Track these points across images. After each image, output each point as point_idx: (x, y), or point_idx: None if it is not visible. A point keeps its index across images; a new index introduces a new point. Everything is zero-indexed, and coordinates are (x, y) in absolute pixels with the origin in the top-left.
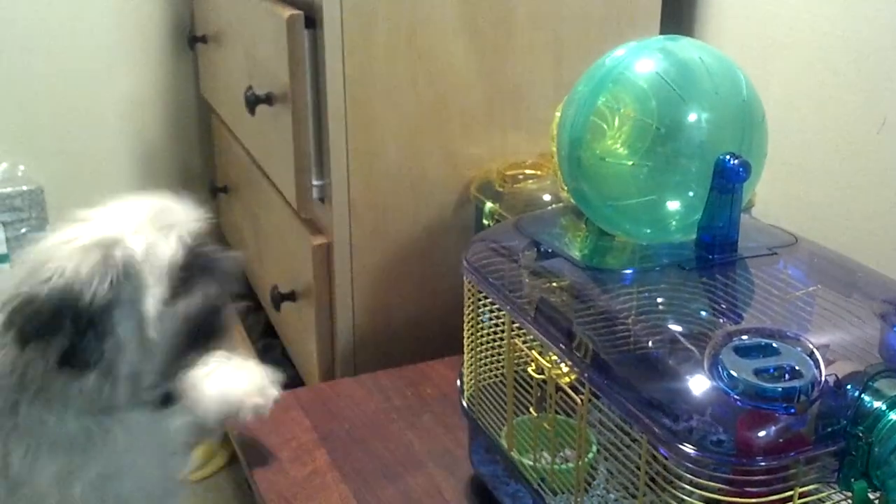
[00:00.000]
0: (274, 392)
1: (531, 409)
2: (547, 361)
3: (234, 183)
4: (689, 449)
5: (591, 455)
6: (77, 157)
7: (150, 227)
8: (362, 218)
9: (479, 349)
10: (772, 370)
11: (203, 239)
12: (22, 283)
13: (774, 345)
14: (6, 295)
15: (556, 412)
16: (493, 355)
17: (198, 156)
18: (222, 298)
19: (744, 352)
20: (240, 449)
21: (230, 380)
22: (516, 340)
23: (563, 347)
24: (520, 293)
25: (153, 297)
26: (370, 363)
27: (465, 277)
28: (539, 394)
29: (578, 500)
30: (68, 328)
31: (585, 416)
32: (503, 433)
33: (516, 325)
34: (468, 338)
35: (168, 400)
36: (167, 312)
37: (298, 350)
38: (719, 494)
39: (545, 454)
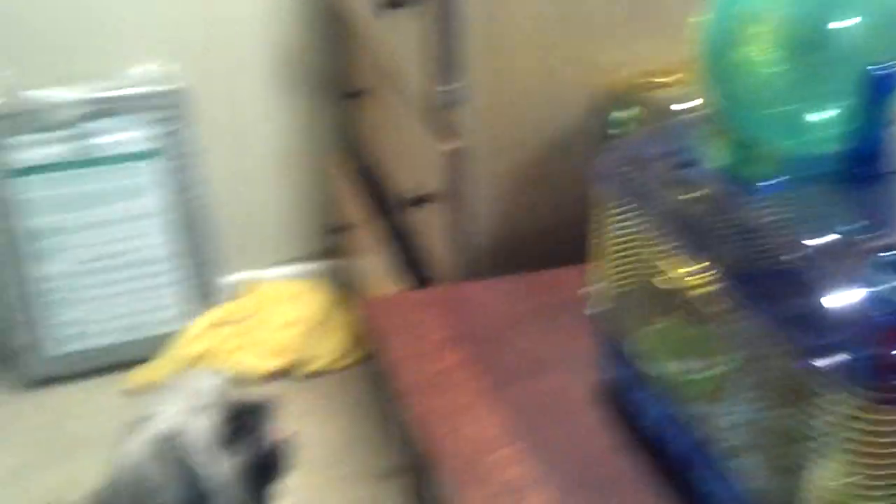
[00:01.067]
0: None
1: (662, 318)
2: (680, 272)
3: (367, 87)
4: (826, 363)
5: (723, 366)
6: (221, 58)
7: (191, 412)
8: (492, 123)
9: (609, 257)
10: None
11: (235, 403)
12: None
13: None
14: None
15: (689, 322)
16: (623, 264)
17: (333, 60)
18: (266, 444)
19: (887, 267)
20: (374, 344)
21: None
22: (648, 250)
23: (699, 258)
24: (653, 203)
25: (207, 467)
26: (500, 268)
27: (596, 186)
28: (671, 303)
29: (711, 408)
30: None
31: (721, 327)
32: (634, 340)
33: (649, 234)
34: (598, 245)
35: None
36: (223, 475)
37: (429, 253)
38: (857, 411)
39: (676, 363)
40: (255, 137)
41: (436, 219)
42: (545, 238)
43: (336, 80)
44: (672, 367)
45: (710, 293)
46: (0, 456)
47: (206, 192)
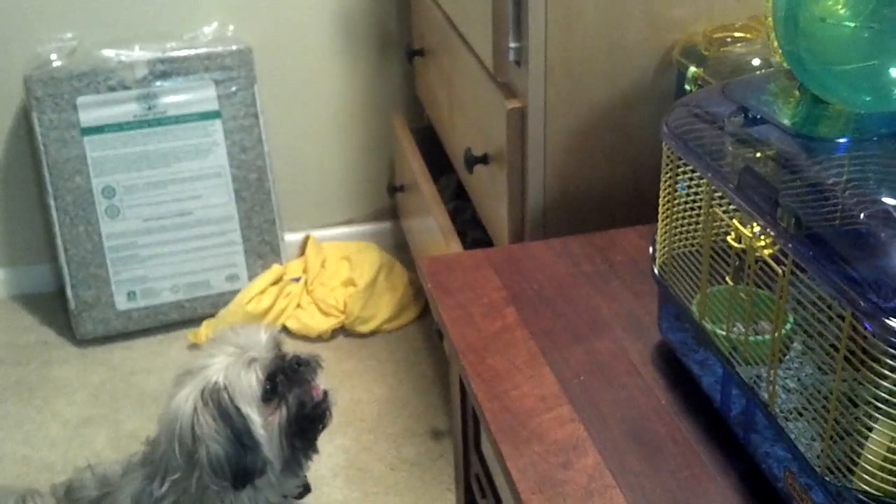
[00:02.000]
0: None
1: (726, 279)
2: (748, 231)
3: (430, 46)
4: (895, 324)
5: (787, 328)
6: (283, 19)
7: (237, 366)
8: (558, 81)
9: (674, 217)
10: None
11: (282, 358)
12: (166, 437)
13: None
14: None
15: (754, 284)
16: (688, 223)
17: (395, 18)
18: (310, 399)
19: None
20: (433, 302)
21: None
22: (715, 209)
23: (767, 218)
24: (723, 161)
25: (253, 419)
26: (559, 228)
27: (664, 143)
28: (736, 264)
29: (772, 371)
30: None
31: (785, 289)
32: (695, 301)
33: (717, 193)
34: (664, 205)
35: (305, 491)
36: (269, 427)
37: (489, 212)
38: None
39: (738, 324)
40: (318, 97)
41: (497, 178)
42: (609, 197)
43: (400, 39)
44: (733, 329)
45: (779, 252)
46: (68, 410)
47: (270, 151)
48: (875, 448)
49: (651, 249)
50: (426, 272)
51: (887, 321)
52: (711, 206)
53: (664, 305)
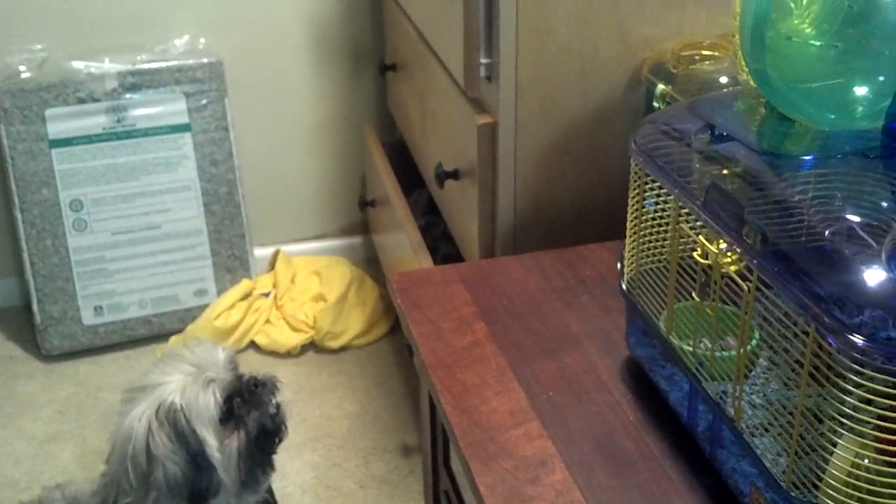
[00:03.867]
0: None
1: (692, 295)
2: (714, 248)
3: (402, 60)
4: (858, 340)
5: (753, 344)
6: (255, 32)
7: (194, 387)
8: (529, 97)
9: (642, 233)
10: None
11: (237, 380)
12: (118, 458)
13: None
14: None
15: (720, 300)
16: (655, 239)
17: (368, 33)
18: (266, 417)
19: None
20: (403, 317)
21: None
22: (682, 225)
23: (733, 234)
24: (690, 177)
25: (210, 442)
26: (530, 243)
27: (632, 159)
28: (703, 280)
29: (737, 387)
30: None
31: (751, 305)
32: (663, 317)
33: (684, 209)
34: (632, 221)
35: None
36: (225, 450)
37: (460, 228)
38: (887, 387)
39: (705, 340)
40: (290, 111)
41: (468, 194)
42: (580, 213)
43: (372, 53)
44: (700, 345)
45: (744, 269)
46: (33, 426)
47: (240, 165)
48: (839, 463)
49: (619, 265)
50: (396, 287)
51: (851, 337)
52: (678, 223)
53: (632, 321)
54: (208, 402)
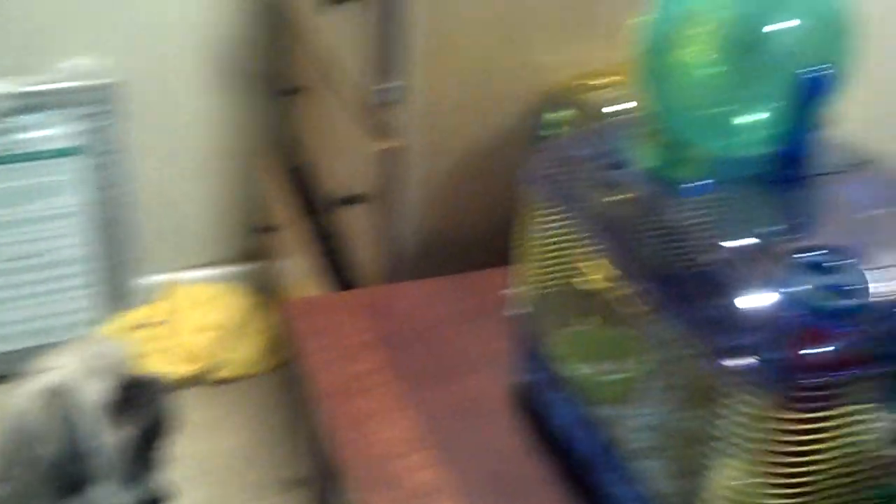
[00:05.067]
0: None
1: (584, 321)
2: (600, 274)
3: (303, 83)
4: (743, 363)
5: (635, 369)
6: (153, 54)
7: (83, 374)
8: (429, 123)
9: (533, 259)
10: (835, 288)
11: (128, 375)
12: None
13: (839, 263)
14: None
15: (610, 324)
16: (547, 266)
17: (269, 56)
18: (154, 423)
19: (808, 268)
20: (293, 348)
21: None
22: (575, 251)
23: (624, 260)
24: (583, 203)
25: (96, 430)
26: (430, 269)
27: (525, 187)
28: (593, 305)
29: (624, 410)
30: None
31: (640, 329)
32: (554, 342)
33: (576, 235)
34: (523, 247)
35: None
36: (110, 441)
37: (360, 254)
38: (765, 411)
39: (590, 365)
40: (185, 135)
41: (364, 220)
42: (475, 240)
43: (271, 77)
44: (585, 370)
45: (628, 295)
46: None
47: (131, 190)
48: (723, 485)
49: (512, 290)
50: (291, 314)
51: (736, 360)
52: (567, 249)
53: (520, 346)
54: (97, 390)
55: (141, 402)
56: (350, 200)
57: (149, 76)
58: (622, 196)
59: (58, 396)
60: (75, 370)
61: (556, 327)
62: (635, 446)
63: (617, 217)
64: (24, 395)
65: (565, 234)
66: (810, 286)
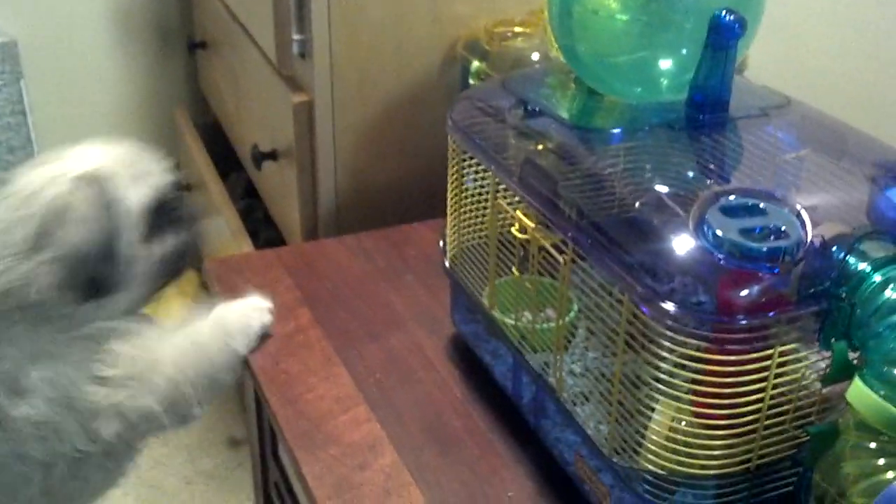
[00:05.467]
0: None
1: (513, 270)
2: (531, 222)
3: (212, 38)
4: (670, 307)
5: (571, 315)
6: (52, 9)
7: (126, 173)
8: (345, 75)
9: (462, 210)
10: (757, 230)
11: (172, 190)
12: (24, 216)
13: (761, 205)
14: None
15: (539, 273)
16: (476, 216)
17: (175, 9)
18: (188, 244)
19: (730, 212)
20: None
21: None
22: (500, 201)
23: (548, 208)
24: (505, 153)
25: (128, 238)
26: (353, 224)
27: (449, 136)
28: (521, 255)
29: (558, 357)
30: (94, 263)
31: (567, 277)
32: (485, 293)
33: (501, 185)
34: (452, 198)
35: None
36: (140, 253)
37: (280, 210)
38: (699, 352)
39: (526, 314)
40: (94, 94)
41: (287, 175)
42: (402, 192)
43: (181, 31)
44: (522, 318)
45: (560, 242)
46: None
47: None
48: (657, 428)
49: (441, 243)
50: (214, 275)
51: (662, 304)
52: (496, 199)
53: (456, 298)
54: (140, 193)
55: (177, 218)
56: (269, 156)
57: (50, 33)
58: (544, 145)
59: (99, 185)
60: (114, 165)
61: (490, 277)
62: (573, 392)
63: (538, 166)
64: (49, 174)
65: (492, 183)
66: (734, 229)
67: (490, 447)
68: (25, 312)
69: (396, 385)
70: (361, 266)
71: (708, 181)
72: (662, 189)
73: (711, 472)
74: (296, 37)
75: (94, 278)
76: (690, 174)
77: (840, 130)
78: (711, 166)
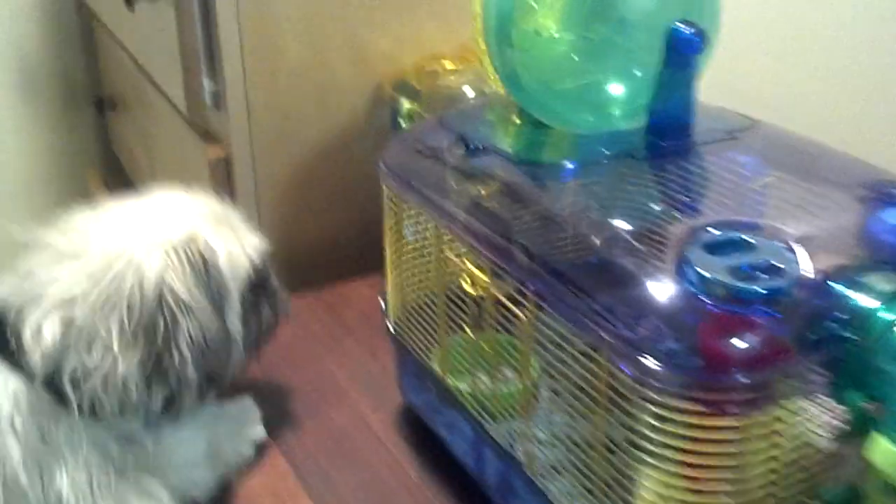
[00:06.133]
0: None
1: (465, 329)
2: (482, 273)
3: (121, 95)
4: (651, 364)
5: (534, 376)
6: None
7: (224, 231)
8: (263, 124)
9: (403, 264)
10: (743, 268)
11: (264, 255)
12: (104, 285)
13: (749, 239)
14: (87, 296)
15: (496, 330)
16: (420, 270)
17: (82, 68)
18: (277, 318)
19: (714, 248)
20: None
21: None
22: (446, 252)
23: (501, 256)
24: (447, 198)
25: (232, 308)
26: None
27: (383, 183)
28: (474, 310)
29: (525, 424)
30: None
31: (528, 332)
32: (434, 356)
33: (445, 234)
34: (391, 252)
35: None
36: (246, 326)
37: None
38: (687, 417)
39: (483, 377)
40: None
41: None
42: (334, 248)
43: (89, 89)
44: (475, 383)
45: (515, 293)
46: None
47: None
48: (638, 500)
49: (382, 302)
50: None
51: (642, 359)
52: (441, 250)
53: (403, 364)
54: (243, 261)
55: (272, 292)
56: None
57: None
58: (490, 186)
59: (198, 256)
60: (210, 226)
61: (441, 337)
62: (543, 464)
63: (486, 209)
64: (141, 250)
65: (436, 231)
66: (721, 268)
67: None
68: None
69: (342, 469)
70: (293, 332)
71: (678, 215)
72: (629, 226)
73: None
74: (207, 85)
75: (216, 368)
76: (655, 207)
77: (812, 151)
78: (682, 198)
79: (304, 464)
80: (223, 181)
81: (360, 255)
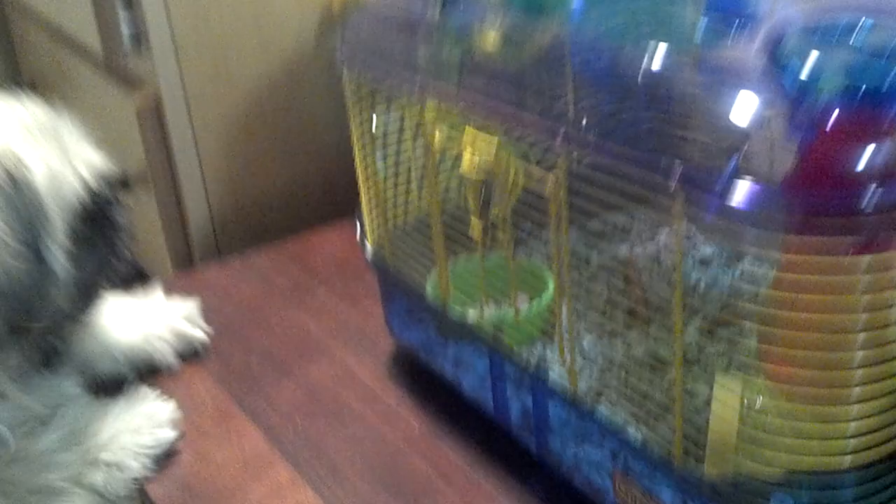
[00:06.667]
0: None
1: (468, 244)
2: (491, 137)
3: (41, 76)
4: (746, 190)
5: (546, 297)
6: None
7: (51, 150)
8: (195, 63)
9: (380, 175)
10: (867, 52)
11: (104, 181)
12: None
13: (865, 19)
14: None
15: (508, 237)
16: (402, 180)
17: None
18: (118, 259)
19: (819, 35)
20: None
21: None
22: (436, 133)
23: (533, 122)
24: (435, 61)
25: (54, 240)
26: (236, 243)
27: (346, 72)
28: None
29: (548, 350)
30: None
31: (560, 199)
32: (431, 283)
33: (434, 111)
34: (362, 161)
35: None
36: (75, 258)
37: (143, 244)
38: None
39: (494, 302)
40: None
41: (145, 201)
42: (289, 197)
43: (10, 77)
44: (489, 309)
45: (529, 171)
46: None
47: None
48: (711, 419)
49: (359, 231)
50: None
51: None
52: (433, 135)
53: (390, 300)
54: (71, 183)
55: (115, 223)
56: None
57: None
58: (485, 33)
59: (15, 170)
60: (38, 144)
61: (426, 265)
62: (583, 391)
63: (489, 63)
64: None
65: (414, 119)
66: (836, 56)
67: (475, 488)
68: None
69: (326, 429)
70: (255, 289)
71: (733, 30)
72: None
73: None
74: (124, 18)
75: (24, 304)
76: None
77: None
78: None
79: (279, 428)
80: (155, 132)
81: (322, 201)
